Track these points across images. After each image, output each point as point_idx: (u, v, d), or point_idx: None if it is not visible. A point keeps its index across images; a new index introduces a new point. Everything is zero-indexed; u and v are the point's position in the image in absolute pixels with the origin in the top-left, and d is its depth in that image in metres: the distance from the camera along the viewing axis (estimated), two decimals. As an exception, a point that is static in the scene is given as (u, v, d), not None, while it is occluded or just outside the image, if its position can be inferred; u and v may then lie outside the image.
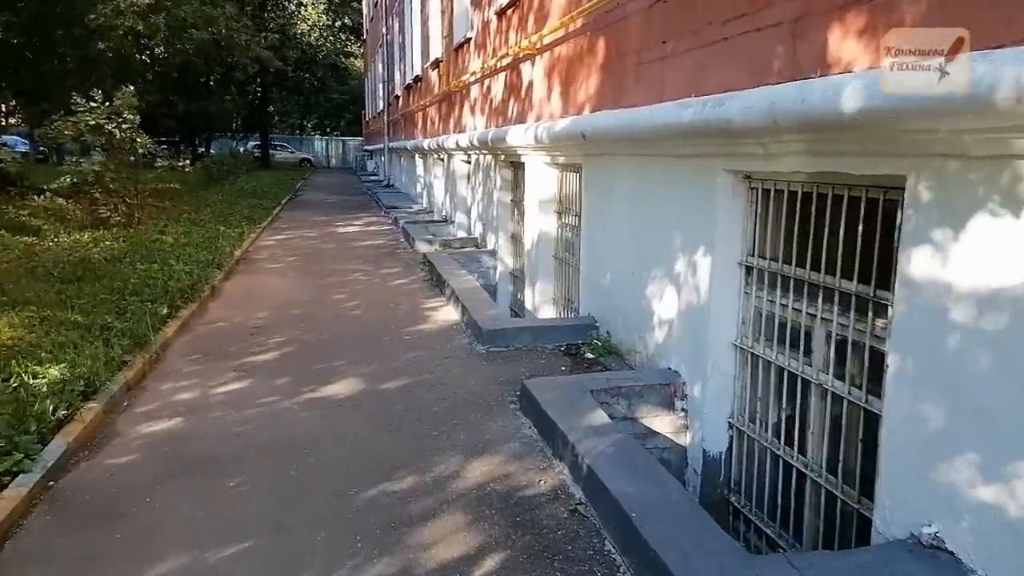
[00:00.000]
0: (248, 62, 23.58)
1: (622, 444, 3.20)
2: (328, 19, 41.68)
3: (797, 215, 3.26)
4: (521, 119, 7.61)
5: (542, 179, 6.92)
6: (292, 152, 42.12)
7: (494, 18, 8.70)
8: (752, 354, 3.66)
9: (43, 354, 4.54)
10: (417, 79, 16.34)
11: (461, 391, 4.42)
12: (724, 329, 3.77)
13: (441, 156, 13.25)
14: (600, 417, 3.53)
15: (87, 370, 4.33)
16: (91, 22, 12.58)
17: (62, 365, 4.36)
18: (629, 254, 4.81)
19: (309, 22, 41.23)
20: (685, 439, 4.03)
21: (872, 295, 2.77)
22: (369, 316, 6.44)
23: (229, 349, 5.36)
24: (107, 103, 10.30)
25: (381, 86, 24.26)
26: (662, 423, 4.01)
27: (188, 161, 12.30)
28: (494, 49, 8.81)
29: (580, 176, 5.87)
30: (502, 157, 8.50)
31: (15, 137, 27.65)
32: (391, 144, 23.02)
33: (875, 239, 2.75)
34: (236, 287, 7.74)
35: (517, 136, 6.98)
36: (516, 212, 8.51)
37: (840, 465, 2.98)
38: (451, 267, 7.99)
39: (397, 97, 21.33)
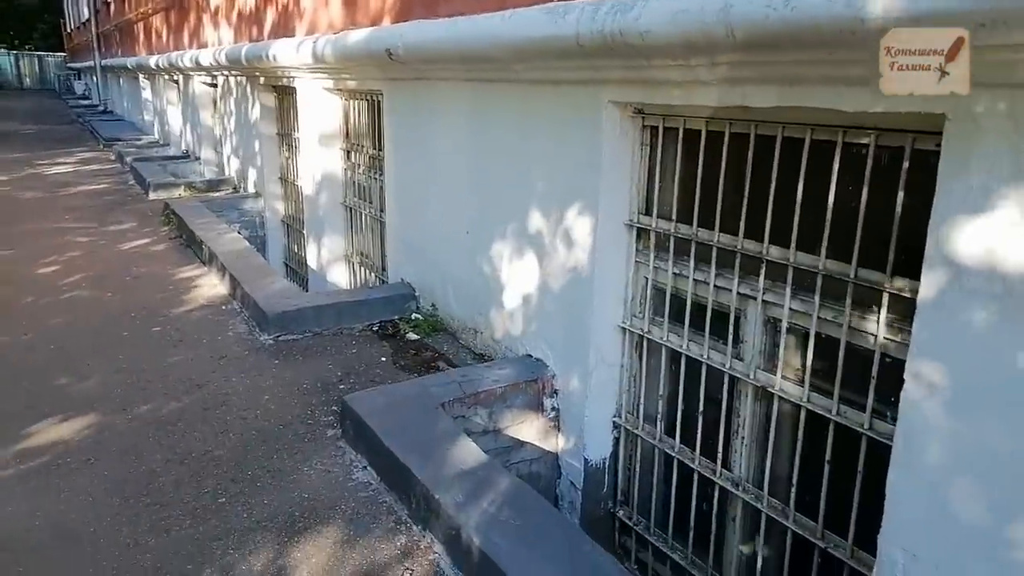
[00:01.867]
0: None
1: (520, 498, 2.25)
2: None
3: (724, 163, 2.46)
4: (286, 31, 6.05)
5: (321, 108, 5.53)
6: (-33, 70, 33.87)
7: (237, -102, 6.83)
8: (647, 339, 2.89)
9: None
10: (133, -21, 13.27)
11: (252, 414, 3.15)
12: (608, 308, 2.95)
13: (175, 77, 10.86)
14: (468, 449, 2.54)
15: None
16: None
17: None
18: (463, 207, 3.77)
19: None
20: (556, 444, 3.22)
21: (853, 277, 2.07)
22: (99, 298, 4.70)
23: None
24: None
25: (84, -12, 19.79)
26: (529, 429, 3.14)
27: None
28: (240, -60, 6.97)
29: (381, 106, 4.63)
30: (262, 80, 6.84)
31: None
32: (105, 62, 19.01)
33: (859, 199, 2.03)
34: None
35: (286, 53, 5.46)
36: (285, 148, 6.97)
37: (792, 489, 2.32)
38: (206, 219, 6.31)
39: (107, 3, 17.48)
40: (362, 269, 5.49)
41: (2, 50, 39.69)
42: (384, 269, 4.94)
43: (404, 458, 2.47)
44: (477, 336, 3.77)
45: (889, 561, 1.89)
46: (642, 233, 2.86)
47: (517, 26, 2.86)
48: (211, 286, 4.96)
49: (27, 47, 40.33)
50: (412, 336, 4.00)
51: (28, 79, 38.06)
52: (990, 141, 1.60)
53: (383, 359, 3.74)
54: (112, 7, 16.89)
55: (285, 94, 6.67)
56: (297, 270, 6.82)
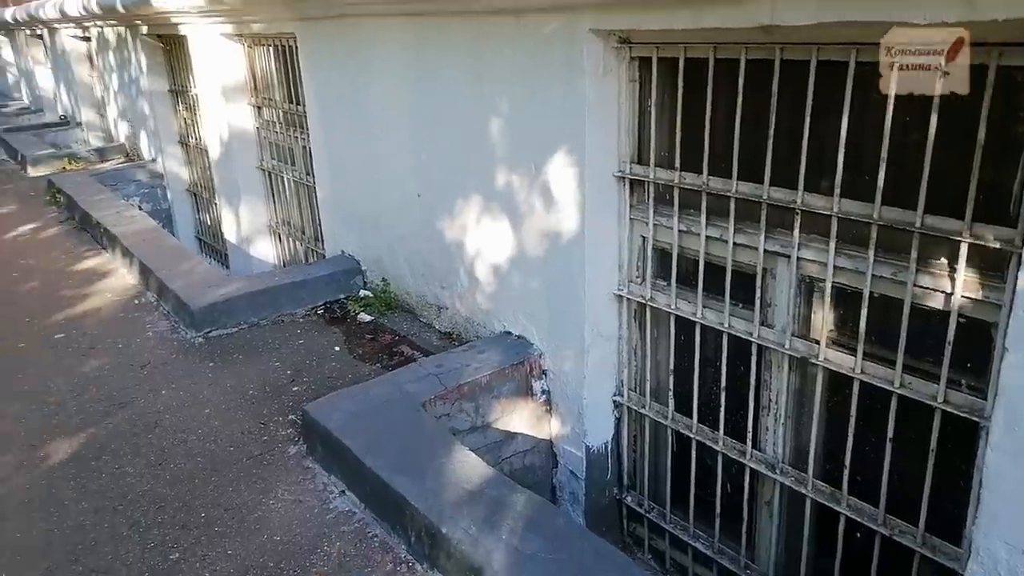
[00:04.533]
0: None
1: (545, 522, 1.89)
2: None
3: (740, 98, 2.08)
4: (166, -32, 5.20)
5: (220, 58, 4.81)
6: None
7: None
8: (649, 307, 2.54)
9: None
10: (-29, -81, 11.49)
11: (193, 436, 2.65)
12: (600, 274, 2.57)
13: (39, 31, 9.56)
14: (468, 462, 2.15)
15: None
16: None
17: None
18: (411, 166, 3.27)
19: None
20: (549, 430, 2.87)
21: (919, 226, 1.75)
22: (-22, 303, 3.99)
23: None
24: None
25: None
26: (520, 418, 2.78)
27: None
28: None
29: (295, 52, 4.00)
30: (144, 28, 5.95)
31: None
32: (-48, 18, 16.77)
33: (925, 133, 1.69)
34: None
35: (170, -6, 4.68)
36: (182, 106, 6.16)
37: (845, 470, 2.05)
38: (100, 196, 5.54)
39: (-55, -51, 15.26)
40: (290, 240, 4.91)
41: None
42: (319, 240, 4.39)
43: (393, 482, 2.07)
44: (441, 313, 3.34)
45: (989, 556, 1.64)
46: (636, 185, 2.48)
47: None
48: (117, 276, 4.30)
49: None
50: (364, 317, 3.53)
51: None
52: None
53: (336, 348, 3.27)
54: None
55: (175, 44, 5.84)
56: (213, 245, 6.14)
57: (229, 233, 5.43)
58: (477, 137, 2.82)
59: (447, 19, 2.85)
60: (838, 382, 2.07)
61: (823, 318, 2.04)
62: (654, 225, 2.44)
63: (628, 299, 2.59)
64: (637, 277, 2.56)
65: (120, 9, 5.63)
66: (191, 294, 3.54)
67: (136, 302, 3.90)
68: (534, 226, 2.68)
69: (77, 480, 2.45)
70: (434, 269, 3.30)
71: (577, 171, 2.45)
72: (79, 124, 8.69)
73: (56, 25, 8.25)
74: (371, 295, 3.68)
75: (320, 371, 3.07)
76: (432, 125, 3.09)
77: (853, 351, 1.96)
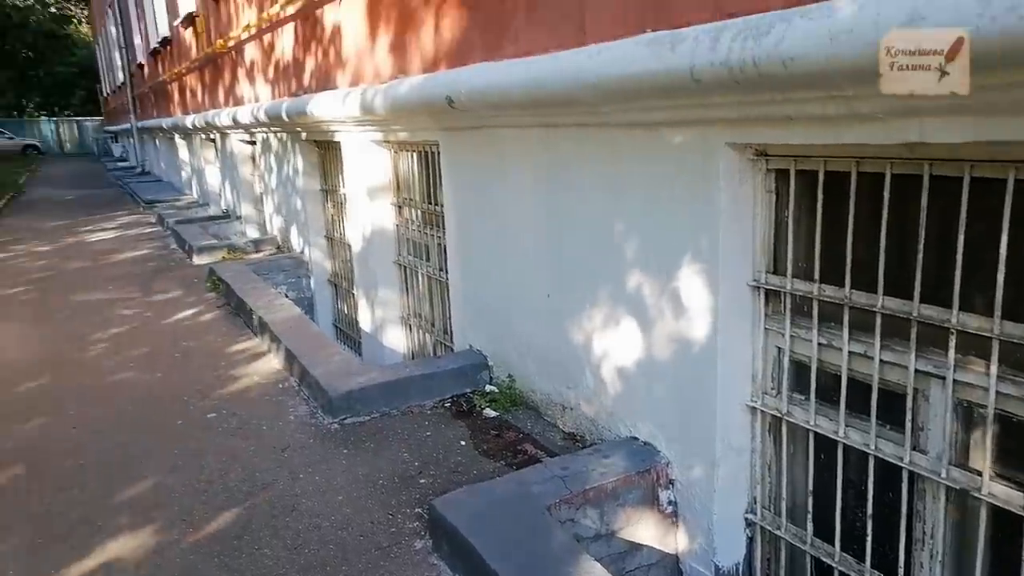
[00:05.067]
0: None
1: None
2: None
3: (885, 212, 2.04)
4: (326, 84, 5.81)
5: (369, 162, 5.24)
6: (11, 138, 34.94)
7: (270, -47, 6.68)
8: (785, 422, 2.44)
9: None
10: (166, 42, 13.38)
11: (326, 522, 2.76)
12: (732, 384, 2.52)
13: (212, 136, 10.79)
14: (595, 573, 2.11)
15: None
16: None
17: None
18: (541, 267, 3.39)
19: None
20: (675, 544, 2.76)
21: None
22: (148, 383, 4.39)
23: None
24: None
25: (118, 54, 20.17)
26: (645, 529, 2.70)
27: None
28: (274, -6, 6.81)
29: (437, 157, 4.31)
30: (303, 135, 6.61)
31: None
32: (140, 123, 19.30)
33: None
34: (-79, 352, 5.17)
35: (329, 106, 5.20)
36: (330, 204, 6.71)
37: (1017, 618, 1.85)
38: (252, 284, 6.04)
39: (141, 66, 17.77)
40: (421, 332, 5.13)
41: (43, 117, 41.06)
42: (448, 333, 4.56)
43: (519, 588, 2.05)
44: (566, 412, 3.35)
45: None
46: (771, 295, 2.44)
47: (608, 63, 2.49)
48: (265, 360, 4.64)
49: (66, 113, 41.57)
50: (490, 413, 3.59)
51: (68, 144, 39.14)
52: None
53: (462, 443, 3.33)
54: (146, 69, 17.14)
55: (328, 148, 6.43)
56: (349, 332, 6.50)
57: (364, 322, 5.75)
58: (608, 241, 2.90)
59: (581, 130, 2.99)
60: (1005, 520, 1.88)
61: (985, 447, 1.88)
62: (791, 336, 2.38)
63: (762, 412, 2.51)
64: (772, 389, 2.49)
65: (285, 118, 6.30)
66: (330, 381, 3.75)
67: (280, 386, 4.17)
68: (664, 331, 2.68)
69: (220, 558, 2.59)
70: (560, 369, 3.34)
71: (710, 279, 2.46)
72: (239, 217, 9.63)
73: (227, 130, 9.31)
74: (497, 390, 3.75)
75: (446, 464, 3.14)
76: (563, 229, 3.20)
77: (1022, 487, 1.79)
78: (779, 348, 2.45)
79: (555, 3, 2.98)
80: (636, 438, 2.89)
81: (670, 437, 2.73)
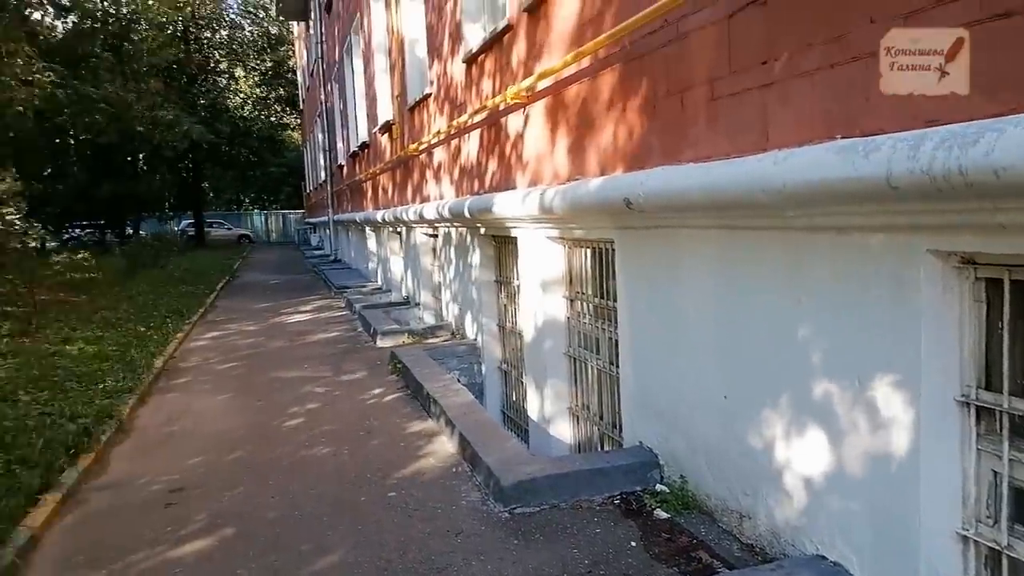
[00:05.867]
0: (178, 139, 21.98)
1: None
2: (262, 92, 40.40)
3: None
4: (506, 184, 6.21)
5: (543, 257, 5.47)
6: (229, 229, 40.16)
7: (461, 68, 7.39)
8: (1007, 557, 2.18)
9: None
10: (364, 146, 14.94)
11: (497, 613, 2.81)
12: (938, 508, 2.30)
13: (398, 229, 11.76)
14: None
15: None
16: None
17: None
18: (717, 368, 3.33)
19: (242, 95, 39.86)
20: None
21: None
22: (335, 457, 4.75)
23: (130, 543, 3.61)
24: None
25: (322, 156, 22.82)
26: (838, 660, 2.48)
27: (87, 254, 10.41)
28: (463, 104, 7.47)
29: (612, 254, 4.43)
30: (482, 230, 7.06)
31: None
32: (336, 217, 21.43)
33: None
34: (154, 416, 5.95)
35: (509, 205, 5.54)
36: (504, 295, 7.03)
37: None
38: (430, 369, 6.40)
39: (341, 167, 19.90)
40: (588, 424, 5.15)
41: (255, 211, 46.90)
42: (617, 427, 4.55)
43: None
44: (744, 521, 3.19)
45: None
46: (984, 413, 2.24)
47: (794, 170, 2.50)
48: (439, 442, 4.86)
49: (274, 206, 47.22)
50: (661, 514, 3.50)
51: (274, 233, 44.23)
52: None
53: (632, 544, 3.27)
54: (345, 170, 19.16)
55: (504, 242, 6.80)
56: (516, 420, 6.64)
57: (532, 410, 5.86)
58: (790, 346, 2.81)
59: (761, 232, 2.98)
60: None
61: None
62: (1010, 460, 2.16)
63: (976, 542, 2.26)
64: (988, 518, 2.24)
65: (467, 215, 6.78)
66: (501, 470, 3.85)
67: (454, 470, 4.34)
68: (857, 444, 2.52)
69: (398, 638, 2.70)
70: (738, 474, 3.22)
71: (910, 391, 2.31)
72: (418, 304, 10.30)
73: (412, 224, 10.12)
74: (668, 491, 3.66)
75: (616, 566, 3.08)
76: (741, 329, 3.15)
77: None
78: (995, 472, 2.22)
79: (737, 111, 3.05)
80: (824, 557, 2.69)
81: (864, 560, 2.52)
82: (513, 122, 5.97)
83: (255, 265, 23.76)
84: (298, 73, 34.67)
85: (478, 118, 6.85)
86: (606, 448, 4.75)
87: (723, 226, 3.24)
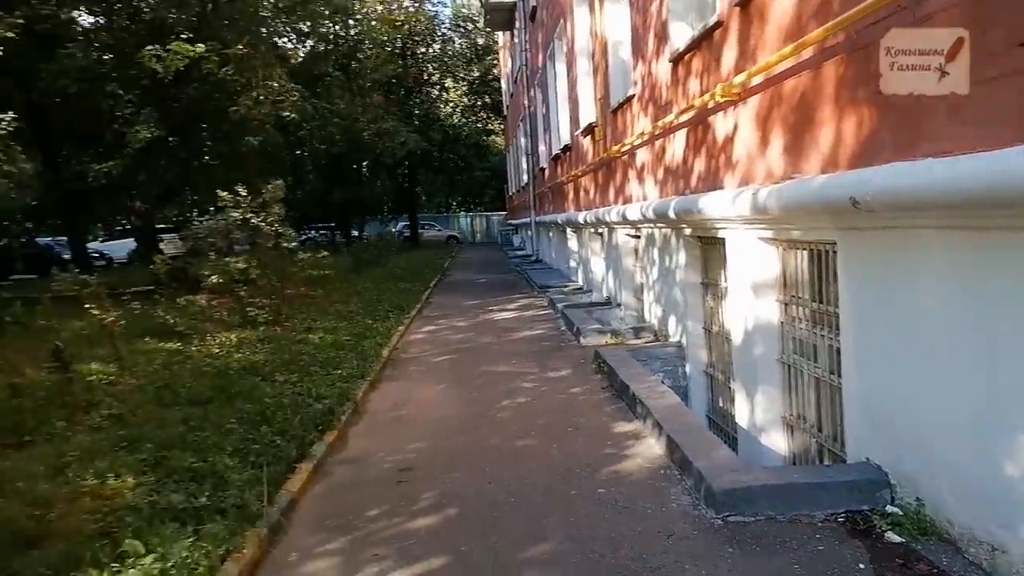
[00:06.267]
0: (397, 148, 23.98)
1: None
2: (469, 100, 42.68)
3: None
4: (713, 184, 6.07)
5: (754, 259, 5.27)
6: (439, 230, 43.00)
7: (667, 68, 7.32)
8: None
9: (129, 536, 3.41)
10: (566, 148, 15.27)
11: (712, 620, 2.79)
12: None
13: (599, 230, 11.89)
14: None
15: (177, 568, 3.16)
16: (233, 114, 12.66)
17: (149, 560, 3.21)
18: (967, 383, 3.03)
19: (451, 104, 42.40)
20: None
21: None
22: (545, 450, 4.95)
23: (371, 512, 4.04)
24: (251, 197, 9.94)
25: (524, 159, 23.64)
26: None
27: (326, 253, 11.79)
28: (668, 104, 7.40)
29: (833, 257, 4.18)
30: (687, 231, 6.95)
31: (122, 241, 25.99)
32: (538, 218, 22.10)
33: None
34: (382, 402, 6.58)
35: (718, 205, 5.42)
36: (710, 297, 6.86)
37: None
38: (634, 370, 6.42)
39: (543, 169, 20.49)
40: (804, 435, 4.88)
41: (461, 213, 49.79)
42: (838, 441, 4.27)
43: None
44: (996, 555, 2.87)
45: None
46: None
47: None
48: (645, 444, 4.88)
49: (478, 209, 49.78)
50: (893, 537, 3.25)
51: (478, 234, 46.64)
52: None
53: (860, 566, 3.07)
54: (547, 172, 19.70)
55: (711, 243, 6.64)
56: (722, 425, 6.46)
57: (741, 418, 5.68)
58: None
59: (1013, 233, 2.66)
60: None
61: None
62: None
63: None
64: None
65: (671, 216, 6.72)
66: (713, 476, 3.80)
67: (661, 472, 4.34)
68: None
69: (613, 630, 2.78)
70: (990, 503, 2.90)
71: None
72: (619, 305, 10.35)
73: (615, 225, 10.18)
74: (901, 513, 3.39)
75: (841, 586, 2.92)
76: (998, 342, 2.83)
77: None
78: None
79: (987, 101, 2.75)
80: (1101, 605, 2.36)
81: None
82: (721, 120, 5.82)
83: (463, 264, 25.18)
84: (502, 81, 36.26)
85: (684, 118, 6.75)
86: (826, 462, 4.48)
87: (969, 226, 2.94)
